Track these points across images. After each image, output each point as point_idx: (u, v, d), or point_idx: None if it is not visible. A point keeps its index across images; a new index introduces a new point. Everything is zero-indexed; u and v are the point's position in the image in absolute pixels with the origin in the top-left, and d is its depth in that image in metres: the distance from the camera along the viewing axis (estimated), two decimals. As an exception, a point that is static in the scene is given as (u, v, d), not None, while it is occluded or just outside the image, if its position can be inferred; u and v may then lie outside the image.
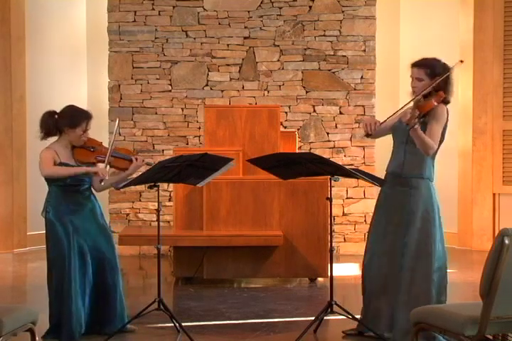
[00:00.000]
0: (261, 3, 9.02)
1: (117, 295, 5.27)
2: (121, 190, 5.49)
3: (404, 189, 5.01)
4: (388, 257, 5.04)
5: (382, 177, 5.14)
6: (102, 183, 5.19)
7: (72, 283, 5.10)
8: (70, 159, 5.20)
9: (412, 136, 4.84)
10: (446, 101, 4.99)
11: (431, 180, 5.06)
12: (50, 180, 5.24)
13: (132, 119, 9.01)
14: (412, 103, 4.94)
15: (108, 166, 5.18)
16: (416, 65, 5.02)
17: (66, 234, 5.14)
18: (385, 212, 5.11)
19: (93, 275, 5.21)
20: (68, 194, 5.19)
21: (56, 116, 5.19)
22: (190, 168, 5.11)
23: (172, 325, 5.26)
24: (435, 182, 5.13)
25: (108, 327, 5.21)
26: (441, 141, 5.01)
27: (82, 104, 10.13)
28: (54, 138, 5.32)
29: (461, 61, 4.82)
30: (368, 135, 5.03)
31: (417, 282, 4.96)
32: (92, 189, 5.31)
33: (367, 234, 5.29)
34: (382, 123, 4.99)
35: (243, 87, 9.04)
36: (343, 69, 8.99)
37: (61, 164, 5.15)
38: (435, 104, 4.85)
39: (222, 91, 9.05)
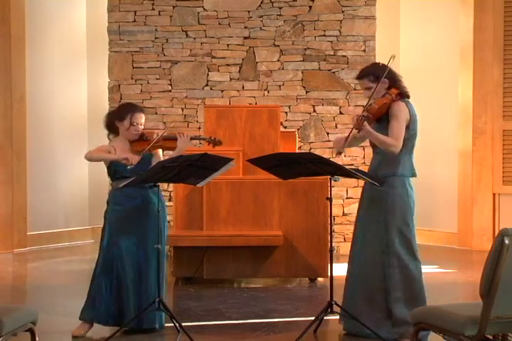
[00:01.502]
0: (261, 3, 9.02)
1: (156, 291, 5.31)
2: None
3: (381, 188, 5.03)
4: (373, 256, 5.07)
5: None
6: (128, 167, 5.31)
7: (103, 283, 5.22)
8: (127, 152, 5.31)
9: (373, 141, 5.00)
10: (405, 96, 5.09)
11: (406, 176, 5.09)
12: (112, 176, 5.38)
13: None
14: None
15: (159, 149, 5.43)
16: (358, 77, 5.20)
17: (109, 233, 5.26)
18: (366, 212, 5.16)
19: (138, 273, 5.31)
20: (129, 189, 5.24)
21: None
22: (190, 168, 5.11)
23: (172, 325, 5.26)
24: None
25: (149, 323, 5.30)
26: (412, 137, 5.07)
27: (82, 104, 10.17)
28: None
29: (393, 56, 5.00)
30: (339, 153, 5.17)
31: (408, 278, 5.02)
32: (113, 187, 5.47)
33: (352, 234, 5.33)
34: (347, 137, 5.09)
35: (243, 87, 9.05)
36: (343, 69, 9.00)
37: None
38: (384, 101, 4.98)
39: (222, 91, 9.05)
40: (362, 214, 5.20)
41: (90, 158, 5.37)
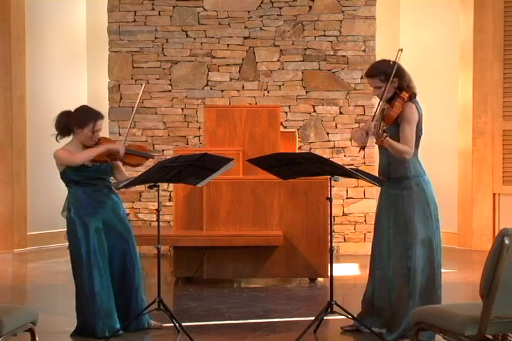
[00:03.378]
0: (261, 3, 9.02)
1: (139, 292, 5.31)
2: (121, 190, 5.49)
3: (396, 192, 5.02)
4: (393, 259, 5.05)
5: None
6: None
7: (95, 282, 5.13)
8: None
9: (388, 149, 4.91)
10: (414, 96, 5.03)
11: (420, 176, 5.06)
12: (67, 181, 5.25)
13: (132, 120, 8.99)
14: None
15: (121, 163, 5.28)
16: (369, 75, 5.06)
17: (86, 233, 5.16)
18: (385, 215, 5.14)
19: (117, 272, 5.25)
20: (88, 193, 5.20)
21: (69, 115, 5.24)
22: (190, 168, 5.11)
23: (172, 325, 5.26)
24: (431, 178, 5.14)
25: (134, 324, 5.26)
26: (419, 136, 5.03)
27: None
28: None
29: (401, 49, 4.90)
30: (363, 148, 5.05)
31: (426, 282, 4.99)
32: (112, 187, 5.34)
33: (372, 237, 5.30)
34: (367, 132, 5.00)
35: (243, 87, 9.05)
36: (343, 69, 8.99)
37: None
38: (398, 110, 4.89)
39: (222, 91, 9.05)
40: (381, 218, 5.17)
41: (87, 157, 5.10)
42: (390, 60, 5.06)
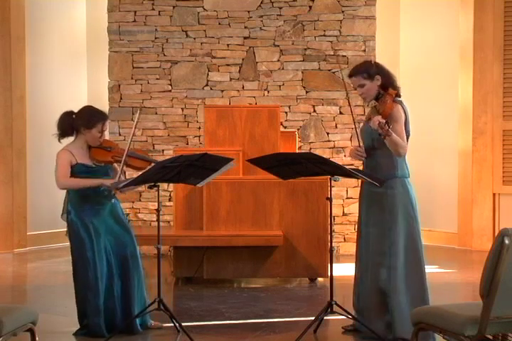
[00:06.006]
0: (261, 3, 9.02)
1: (141, 292, 5.32)
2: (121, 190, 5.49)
3: (380, 190, 5.03)
4: (376, 258, 5.06)
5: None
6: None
7: (99, 283, 5.13)
8: (86, 159, 5.22)
9: (388, 143, 4.92)
10: (398, 95, 5.08)
11: (405, 177, 5.09)
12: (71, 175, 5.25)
13: (132, 119, 9.00)
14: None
15: (124, 166, 5.24)
16: (352, 74, 5.18)
17: (88, 235, 5.16)
18: (367, 214, 5.16)
19: (119, 273, 5.25)
20: (88, 194, 5.19)
21: (74, 116, 5.22)
22: (190, 168, 5.11)
23: (172, 325, 5.26)
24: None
25: (136, 324, 5.26)
26: (407, 137, 5.07)
27: (82, 104, 10.15)
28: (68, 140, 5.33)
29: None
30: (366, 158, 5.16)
31: (412, 280, 5.00)
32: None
33: (356, 236, 5.33)
34: (359, 145, 5.14)
35: (243, 87, 9.05)
36: (343, 69, 8.99)
37: (78, 165, 5.18)
38: (391, 106, 4.95)
39: (222, 91, 9.05)
40: (363, 217, 5.20)
41: (76, 187, 5.11)
42: (371, 61, 5.27)
